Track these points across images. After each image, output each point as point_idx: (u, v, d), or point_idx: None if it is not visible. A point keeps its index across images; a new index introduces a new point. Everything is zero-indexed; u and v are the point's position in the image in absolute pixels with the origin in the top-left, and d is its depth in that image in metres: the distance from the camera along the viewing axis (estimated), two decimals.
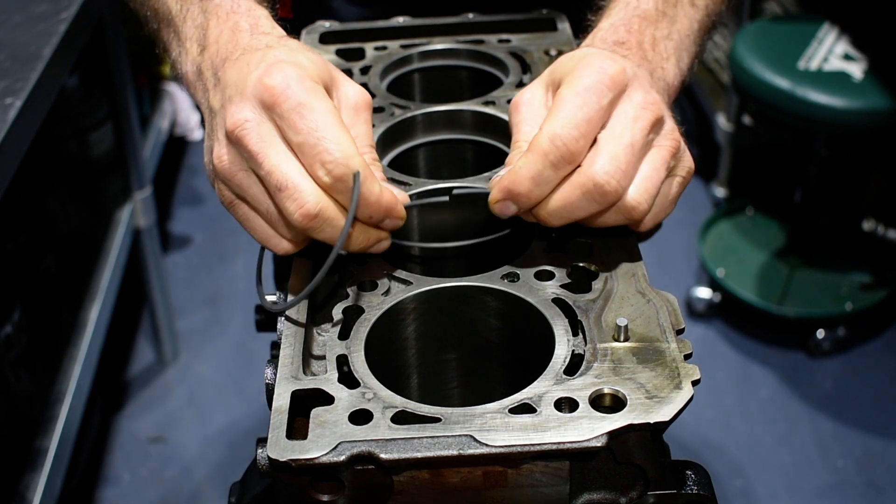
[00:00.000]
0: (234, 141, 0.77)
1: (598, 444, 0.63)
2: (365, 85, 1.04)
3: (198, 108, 0.91)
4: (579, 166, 0.76)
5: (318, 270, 0.74)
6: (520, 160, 0.77)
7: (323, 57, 0.84)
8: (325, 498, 0.65)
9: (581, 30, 0.99)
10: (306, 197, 0.74)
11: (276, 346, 0.80)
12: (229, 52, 0.84)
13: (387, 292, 0.78)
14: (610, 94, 0.78)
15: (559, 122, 0.76)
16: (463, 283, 0.79)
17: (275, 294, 0.82)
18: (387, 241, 0.80)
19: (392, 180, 0.90)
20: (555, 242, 0.83)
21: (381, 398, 0.68)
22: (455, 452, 0.63)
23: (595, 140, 0.77)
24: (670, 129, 0.81)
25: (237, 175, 0.78)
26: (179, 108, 2.88)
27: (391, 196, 0.78)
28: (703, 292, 2.71)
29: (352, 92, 0.84)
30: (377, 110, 0.99)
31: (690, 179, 0.84)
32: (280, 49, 0.81)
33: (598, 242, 0.82)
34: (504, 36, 1.11)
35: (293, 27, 1.17)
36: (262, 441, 0.66)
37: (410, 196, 0.84)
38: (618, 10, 0.92)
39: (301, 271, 0.82)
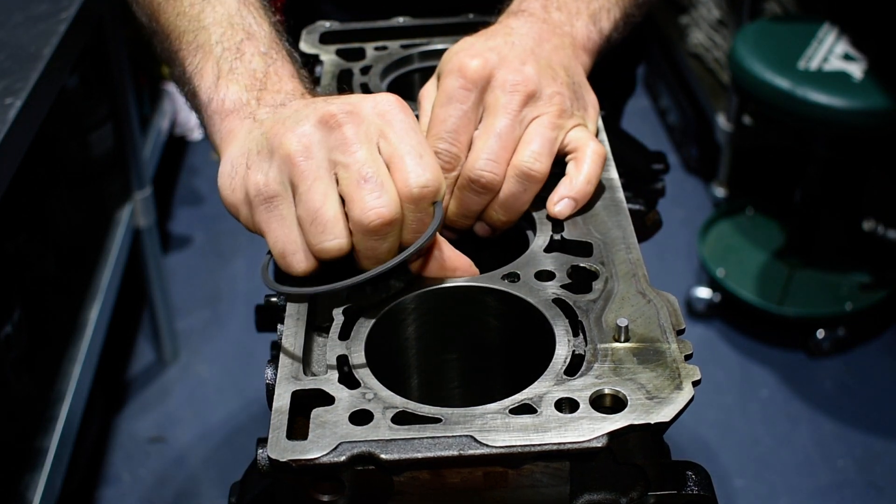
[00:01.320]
0: (332, 125, 0.75)
1: (599, 445, 0.63)
2: (365, 85, 1.04)
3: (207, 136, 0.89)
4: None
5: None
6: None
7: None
8: (325, 498, 0.65)
9: None
10: (390, 196, 0.73)
11: (276, 345, 0.80)
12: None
13: (387, 292, 0.78)
14: (472, 93, 0.85)
15: (430, 140, 0.84)
16: (463, 283, 0.79)
17: (274, 296, 0.82)
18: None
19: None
20: (555, 242, 0.83)
21: (382, 398, 0.68)
22: (455, 453, 0.63)
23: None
24: (549, 94, 0.86)
25: (311, 160, 0.74)
26: (179, 108, 2.88)
27: (463, 262, 0.80)
28: (703, 292, 2.71)
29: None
30: None
31: (596, 116, 0.91)
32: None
33: (598, 242, 0.82)
34: None
35: (293, 28, 1.17)
36: (262, 441, 0.66)
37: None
38: None
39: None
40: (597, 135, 0.91)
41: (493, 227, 0.87)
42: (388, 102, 0.77)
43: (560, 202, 0.85)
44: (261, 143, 0.78)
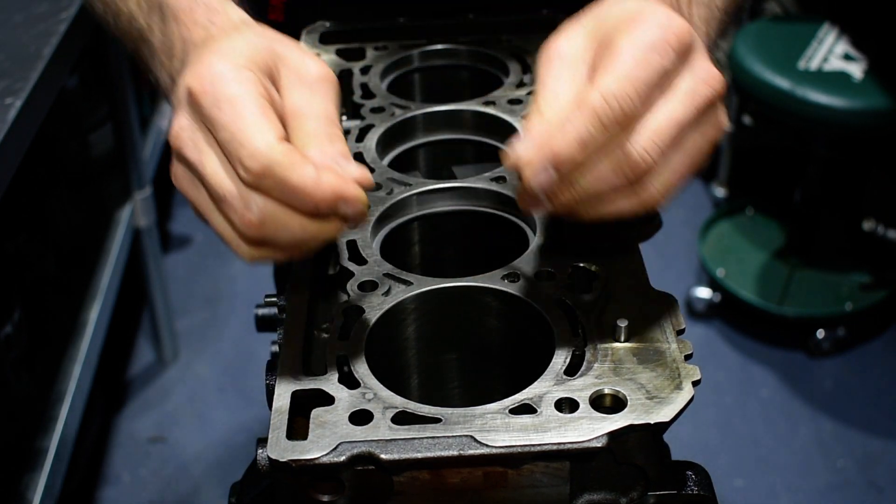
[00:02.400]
0: (175, 154, 0.70)
1: (599, 445, 0.63)
2: (365, 85, 1.04)
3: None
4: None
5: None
6: (562, 116, 0.66)
7: (273, 32, 0.75)
8: (325, 498, 0.65)
9: None
10: (246, 204, 0.66)
11: (276, 345, 0.80)
12: (186, 55, 0.78)
13: (387, 292, 0.78)
14: (674, 55, 0.67)
15: (617, 79, 0.65)
16: (463, 283, 0.79)
17: (274, 296, 0.82)
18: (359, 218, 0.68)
19: (392, 180, 0.90)
20: (555, 242, 0.83)
21: (382, 398, 0.68)
22: (455, 453, 0.63)
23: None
24: (722, 112, 0.71)
25: (189, 190, 0.70)
26: None
27: (334, 179, 0.65)
28: (703, 292, 2.71)
29: (307, 66, 0.72)
30: (377, 110, 1.00)
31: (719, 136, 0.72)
32: (217, 39, 0.74)
33: (597, 243, 0.82)
34: (504, 36, 1.11)
35: (293, 28, 1.17)
36: (262, 441, 0.66)
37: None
38: None
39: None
40: None
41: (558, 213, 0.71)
42: (192, 96, 0.68)
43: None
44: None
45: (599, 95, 0.65)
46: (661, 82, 0.67)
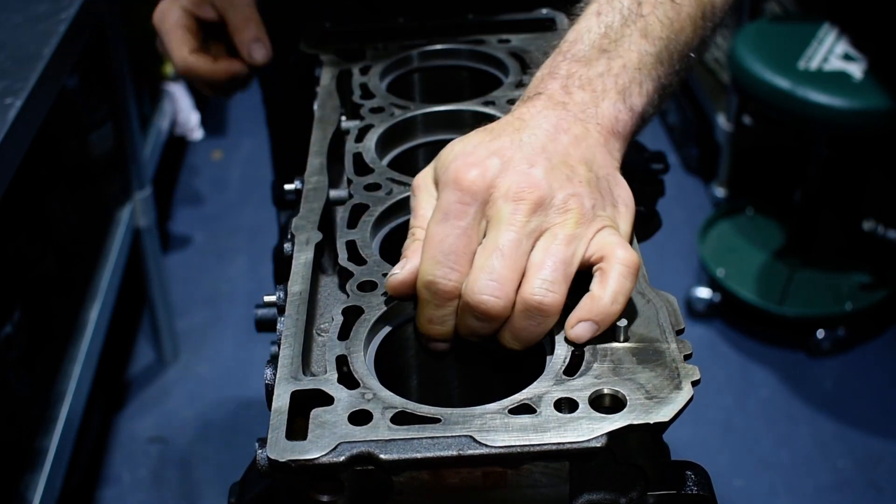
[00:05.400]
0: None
1: (598, 445, 0.63)
2: (364, 85, 1.04)
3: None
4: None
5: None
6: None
7: None
8: (324, 498, 0.65)
9: None
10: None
11: (275, 345, 0.80)
12: None
13: (387, 292, 0.78)
14: (471, 207, 0.74)
15: (426, 264, 0.74)
16: None
17: (274, 294, 0.82)
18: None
19: (391, 180, 0.90)
20: None
21: (381, 398, 0.68)
22: (455, 453, 0.63)
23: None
24: (563, 199, 0.74)
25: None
26: (179, 108, 2.88)
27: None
28: (703, 292, 2.71)
29: None
30: (376, 110, 1.00)
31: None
32: None
33: None
34: (504, 36, 1.11)
35: (293, 28, 1.17)
36: (261, 441, 0.66)
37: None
38: (552, 56, 0.85)
39: None
40: (630, 239, 0.78)
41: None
42: None
43: (578, 325, 0.72)
44: None
45: (420, 284, 0.74)
46: (470, 235, 0.74)
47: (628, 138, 0.83)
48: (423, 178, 0.80)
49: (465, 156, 0.76)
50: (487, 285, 0.71)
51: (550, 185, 0.74)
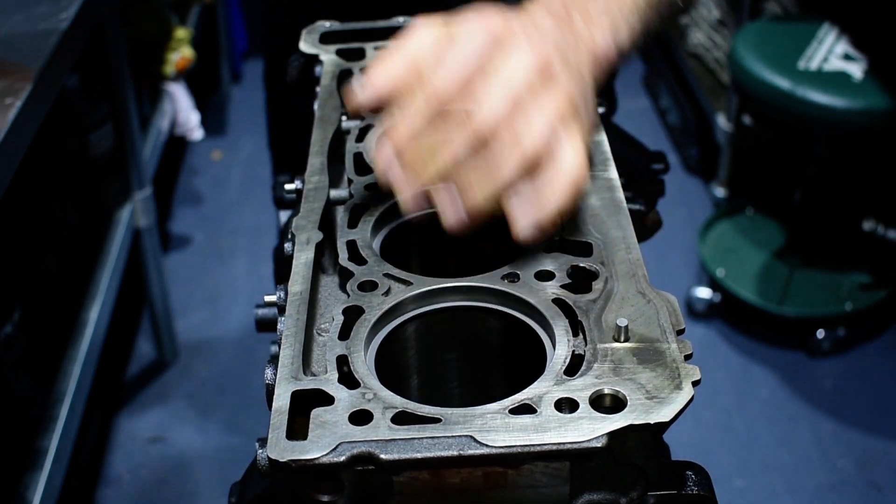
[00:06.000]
0: None
1: (599, 445, 0.63)
2: None
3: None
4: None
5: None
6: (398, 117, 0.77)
7: None
8: (324, 498, 0.65)
9: None
10: None
11: (275, 345, 0.80)
12: None
13: (387, 292, 0.78)
14: (489, 38, 0.76)
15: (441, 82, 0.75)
16: (463, 283, 0.79)
17: (274, 294, 0.82)
18: None
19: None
20: (555, 242, 0.83)
21: (381, 398, 0.68)
22: (455, 453, 0.63)
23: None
24: (564, 82, 0.77)
25: None
26: (179, 108, 2.88)
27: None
28: (703, 292, 2.71)
29: None
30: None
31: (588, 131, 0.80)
32: None
33: (598, 242, 0.82)
34: None
35: (293, 28, 1.17)
36: (262, 441, 0.66)
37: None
38: None
39: None
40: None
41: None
42: None
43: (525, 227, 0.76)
44: None
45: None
46: (478, 61, 0.75)
47: (607, 73, 0.87)
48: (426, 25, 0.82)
49: (490, 12, 0.79)
50: (490, 106, 0.74)
51: (558, 65, 0.78)
